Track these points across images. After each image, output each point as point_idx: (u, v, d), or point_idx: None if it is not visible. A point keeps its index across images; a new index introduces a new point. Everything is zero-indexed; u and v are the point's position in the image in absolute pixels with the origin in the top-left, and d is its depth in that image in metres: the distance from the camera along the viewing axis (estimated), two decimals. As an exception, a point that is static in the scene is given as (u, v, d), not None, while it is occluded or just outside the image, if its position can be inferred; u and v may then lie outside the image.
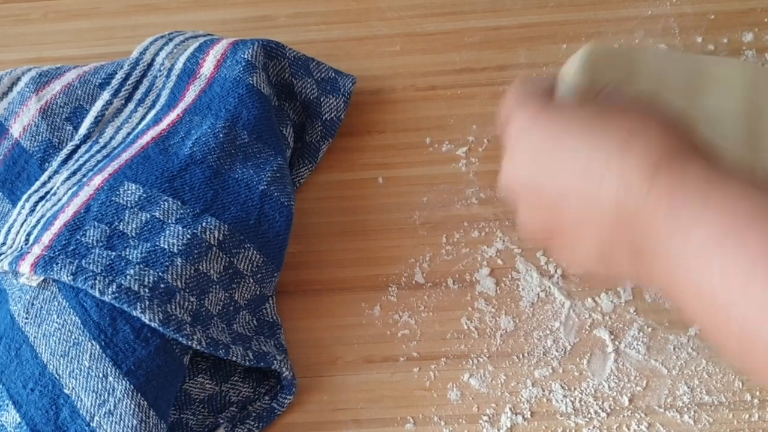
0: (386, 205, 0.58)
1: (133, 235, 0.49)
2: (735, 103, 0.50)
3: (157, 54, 0.59)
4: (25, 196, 0.54)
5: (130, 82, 0.58)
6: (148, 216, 0.50)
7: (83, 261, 0.47)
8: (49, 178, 0.55)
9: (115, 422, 0.45)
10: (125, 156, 0.53)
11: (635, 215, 0.36)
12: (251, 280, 0.52)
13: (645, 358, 0.52)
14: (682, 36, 0.62)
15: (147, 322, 0.46)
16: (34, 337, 0.47)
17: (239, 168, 0.53)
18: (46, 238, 0.49)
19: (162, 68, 0.59)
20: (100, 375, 0.46)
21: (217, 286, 0.50)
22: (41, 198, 0.54)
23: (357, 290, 0.55)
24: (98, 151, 0.56)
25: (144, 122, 0.57)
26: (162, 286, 0.47)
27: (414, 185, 0.58)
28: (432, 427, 0.51)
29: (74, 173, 0.54)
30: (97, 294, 0.46)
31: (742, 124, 0.52)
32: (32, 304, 0.48)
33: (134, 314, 0.46)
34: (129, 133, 0.56)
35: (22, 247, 0.50)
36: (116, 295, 0.46)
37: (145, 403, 0.46)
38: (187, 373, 0.51)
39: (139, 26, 0.66)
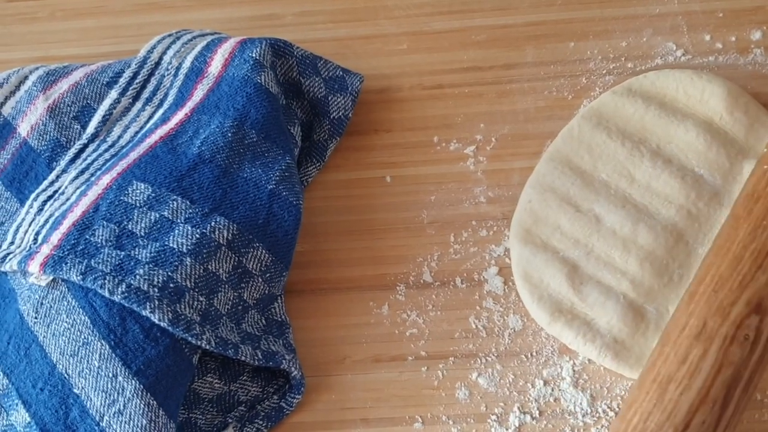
0: (394, 204, 0.58)
1: (142, 234, 0.49)
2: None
3: (164, 53, 0.59)
4: (33, 195, 0.54)
5: (137, 80, 0.58)
6: (157, 215, 0.50)
7: (92, 260, 0.47)
8: (57, 177, 0.55)
9: (125, 422, 0.45)
10: (133, 155, 0.53)
11: None
12: (260, 280, 0.52)
13: (654, 357, 0.52)
14: (690, 34, 0.62)
15: (156, 321, 0.46)
16: (44, 336, 0.47)
17: (248, 167, 0.53)
18: (55, 237, 0.49)
19: (170, 67, 0.59)
20: (110, 375, 0.46)
21: (226, 286, 0.50)
22: (49, 197, 0.54)
23: (365, 289, 0.55)
24: (106, 150, 0.56)
25: (152, 121, 0.57)
26: (171, 285, 0.47)
27: (422, 184, 0.58)
28: (440, 427, 0.51)
29: (82, 172, 0.54)
30: (106, 294, 0.46)
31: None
32: (41, 304, 0.48)
33: (144, 314, 0.46)
34: (137, 132, 0.56)
35: (30, 247, 0.50)
36: (126, 294, 0.46)
37: (155, 402, 0.46)
38: (196, 373, 0.51)
39: (145, 25, 0.66)
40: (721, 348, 0.44)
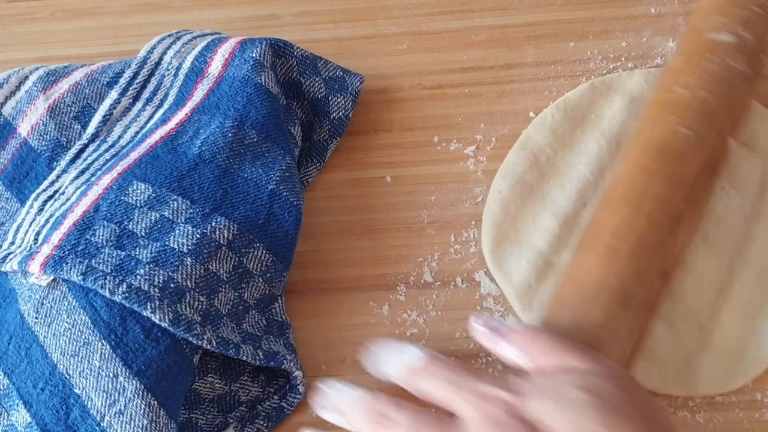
0: (394, 204, 0.58)
1: (143, 234, 0.49)
2: None
3: (164, 53, 0.59)
4: (33, 195, 0.54)
5: (138, 80, 0.58)
6: (158, 215, 0.50)
7: (93, 261, 0.47)
8: (58, 177, 0.55)
9: (126, 422, 0.45)
10: (134, 155, 0.53)
11: None
12: (260, 280, 0.52)
13: (654, 357, 0.52)
14: (690, 34, 0.62)
15: (157, 321, 0.46)
16: (44, 336, 0.47)
17: (248, 167, 0.53)
18: (56, 237, 0.49)
19: (170, 67, 0.59)
20: (111, 375, 0.46)
21: (227, 286, 0.50)
22: (50, 197, 0.54)
23: (365, 289, 0.55)
24: (106, 150, 0.56)
25: (152, 121, 0.57)
26: (172, 285, 0.47)
27: (422, 184, 0.58)
28: (441, 427, 0.51)
29: (83, 172, 0.54)
30: (107, 294, 0.46)
31: None
32: (42, 304, 0.48)
33: (144, 314, 0.46)
34: (137, 132, 0.56)
35: (31, 247, 0.50)
36: (126, 294, 0.46)
37: (156, 402, 0.46)
38: (196, 373, 0.51)
39: (145, 25, 0.66)
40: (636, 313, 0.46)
